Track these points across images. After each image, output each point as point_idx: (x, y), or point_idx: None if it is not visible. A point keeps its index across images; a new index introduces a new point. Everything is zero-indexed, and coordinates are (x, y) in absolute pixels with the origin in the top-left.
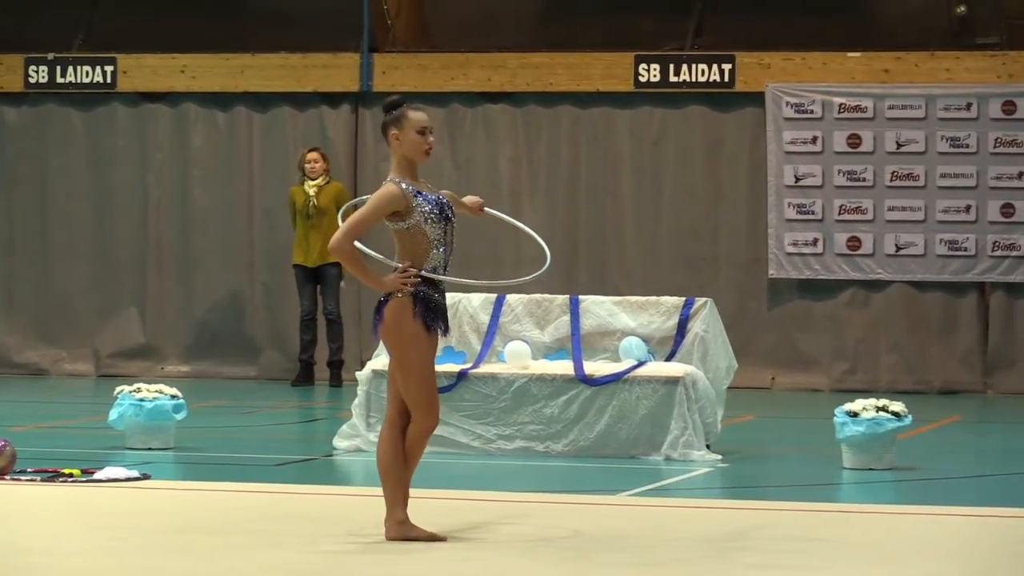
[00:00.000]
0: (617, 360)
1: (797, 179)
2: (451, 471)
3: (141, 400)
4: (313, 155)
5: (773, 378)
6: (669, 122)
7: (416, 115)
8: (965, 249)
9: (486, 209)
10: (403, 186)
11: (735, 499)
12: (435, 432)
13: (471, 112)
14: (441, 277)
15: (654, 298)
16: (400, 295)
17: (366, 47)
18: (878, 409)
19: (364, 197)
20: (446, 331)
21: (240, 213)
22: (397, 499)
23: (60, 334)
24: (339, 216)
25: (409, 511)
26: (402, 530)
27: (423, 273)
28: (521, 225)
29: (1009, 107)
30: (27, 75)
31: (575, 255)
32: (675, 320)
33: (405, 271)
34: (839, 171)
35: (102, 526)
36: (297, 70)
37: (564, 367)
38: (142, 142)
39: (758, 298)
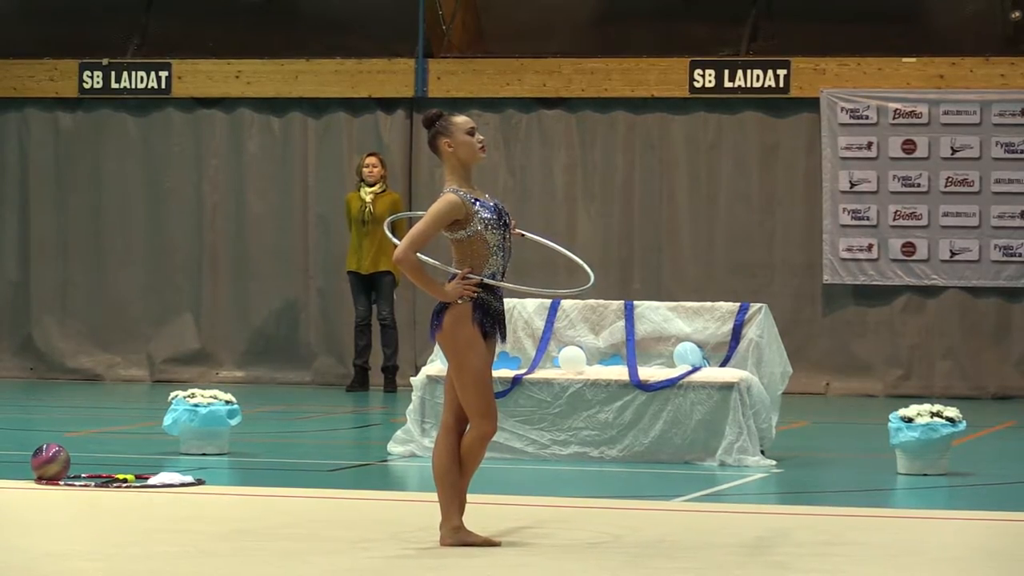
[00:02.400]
0: (672, 366)
1: (852, 185)
2: (506, 476)
3: (195, 406)
4: (372, 159)
5: (827, 384)
6: (724, 128)
7: (460, 118)
8: (1020, 255)
9: (522, 232)
10: (462, 195)
11: (789, 504)
12: None
13: (526, 118)
14: (501, 283)
15: (709, 304)
16: (460, 301)
17: (421, 53)
18: (932, 415)
19: (412, 213)
20: (503, 338)
21: (295, 219)
22: (452, 505)
23: (115, 339)
24: (385, 226)
25: (464, 516)
26: (457, 536)
27: (484, 280)
28: (558, 247)
29: None
30: (82, 81)
31: (630, 260)
32: (730, 326)
33: (465, 278)
34: (894, 177)
35: (156, 531)
36: (352, 76)
37: (619, 372)
38: (197, 148)
39: (813, 304)
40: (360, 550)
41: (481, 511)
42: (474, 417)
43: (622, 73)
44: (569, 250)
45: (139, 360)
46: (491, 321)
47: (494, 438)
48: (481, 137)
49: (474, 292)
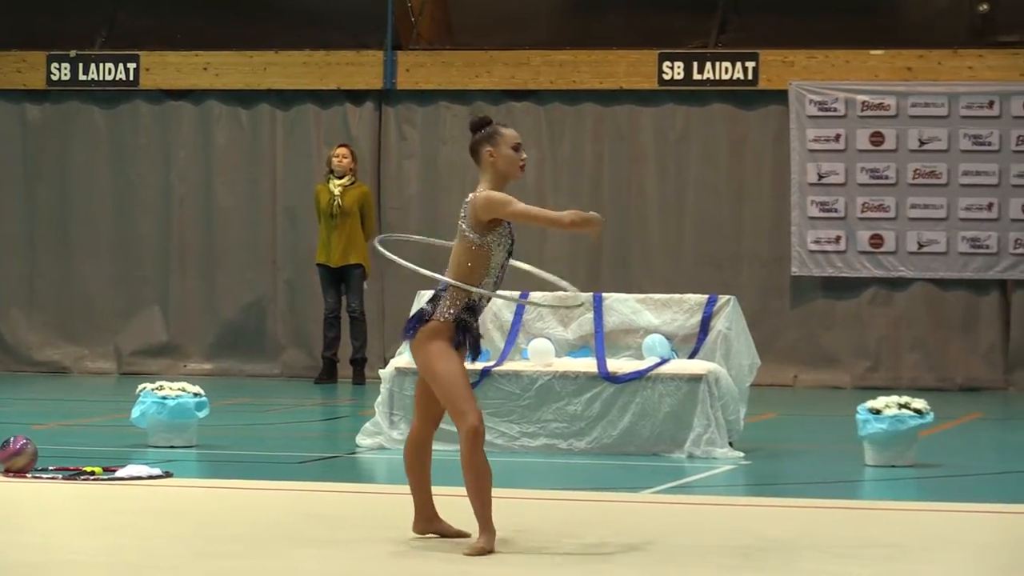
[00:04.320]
0: (640, 358)
1: (820, 177)
2: None
3: (163, 398)
4: (342, 150)
5: (796, 376)
6: (693, 120)
7: (509, 131)
8: (987, 247)
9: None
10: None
11: (757, 496)
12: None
13: (495, 110)
14: (485, 292)
15: (677, 296)
16: (442, 320)
17: (390, 45)
18: (900, 406)
19: (408, 236)
20: (475, 357)
21: (263, 211)
22: (419, 499)
23: (82, 332)
24: (377, 243)
25: (439, 510)
26: (429, 527)
27: (474, 289)
28: (543, 274)
29: None
30: (50, 72)
31: (598, 253)
32: (698, 318)
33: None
34: (862, 169)
35: (124, 524)
36: (321, 67)
37: (587, 365)
38: (165, 140)
39: (781, 296)
40: (328, 542)
41: (449, 503)
42: (455, 417)
43: (591, 65)
44: (540, 261)
45: (107, 352)
46: (470, 341)
47: None
48: (525, 155)
49: (599, 227)
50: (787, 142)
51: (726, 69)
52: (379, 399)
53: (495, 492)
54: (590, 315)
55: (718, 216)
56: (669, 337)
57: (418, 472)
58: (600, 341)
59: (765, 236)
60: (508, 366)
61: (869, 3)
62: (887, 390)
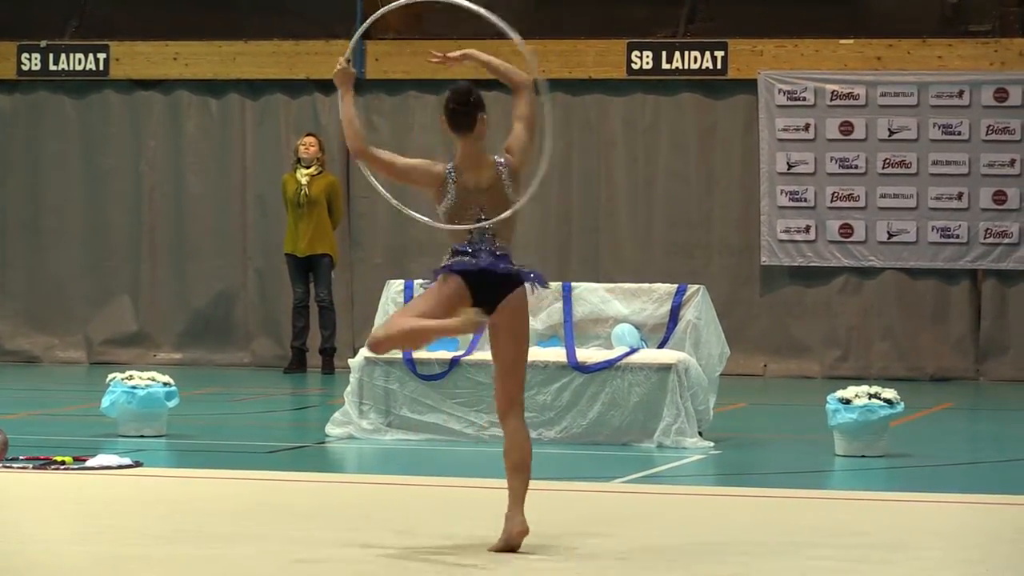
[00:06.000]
0: (610, 347)
1: (789, 166)
2: (444, 458)
3: (133, 387)
4: (309, 139)
5: (765, 365)
6: (662, 109)
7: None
8: (957, 236)
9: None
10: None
11: (727, 486)
12: (427, 419)
13: None
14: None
15: (646, 285)
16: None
17: None
18: (870, 396)
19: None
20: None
21: (233, 200)
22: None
23: (52, 321)
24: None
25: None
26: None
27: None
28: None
29: (1001, 94)
30: (20, 62)
31: (568, 242)
32: (668, 307)
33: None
34: (831, 158)
35: (94, 513)
36: (290, 57)
37: (557, 354)
38: (135, 129)
39: (750, 285)
40: (298, 532)
41: (421, 493)
42: (520, 395)
43: (560, 55)
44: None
45: (77, 342)
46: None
47: (432, 420)
48: None
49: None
50: (756, 131)
51: (695, 58)
52: (348, 388)
53: (464, 481)
54: (559, 305)
55: (687, 205)
56: (638, 327)
57: None
58: (569, 331)
59: (734, 225)
60: (478, 355)
61: None
62: (857, 380)
